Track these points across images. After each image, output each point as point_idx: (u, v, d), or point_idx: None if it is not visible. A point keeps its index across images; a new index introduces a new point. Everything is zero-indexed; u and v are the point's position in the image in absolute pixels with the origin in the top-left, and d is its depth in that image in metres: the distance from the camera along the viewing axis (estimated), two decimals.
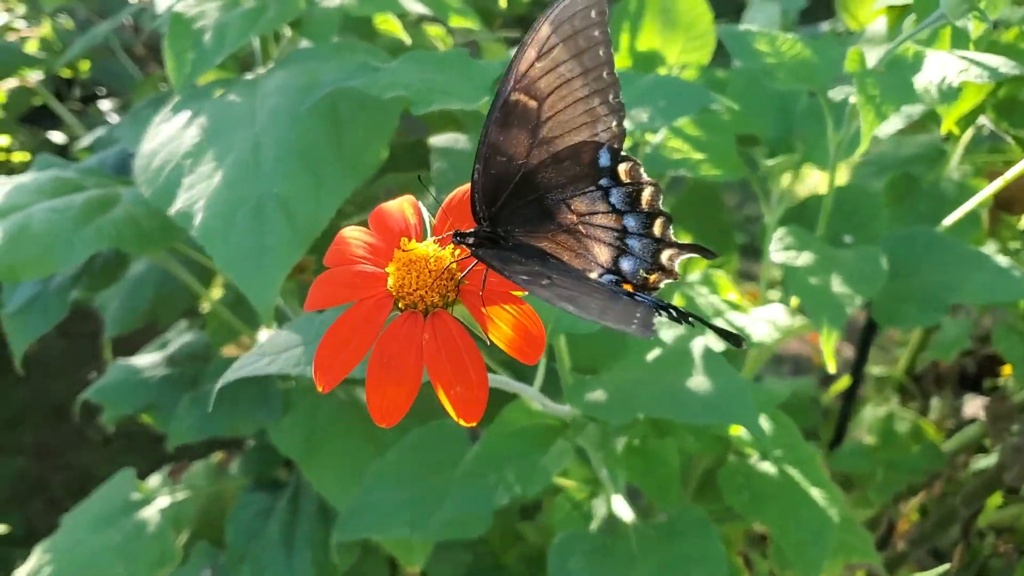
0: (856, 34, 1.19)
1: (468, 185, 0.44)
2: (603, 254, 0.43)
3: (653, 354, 0.68)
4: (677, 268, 0.42)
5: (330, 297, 0.42)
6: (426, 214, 0.45)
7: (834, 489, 0.83)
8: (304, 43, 0.91)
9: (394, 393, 0.39)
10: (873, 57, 1.05)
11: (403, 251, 0.41)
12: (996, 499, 1.40)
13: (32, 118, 1.45)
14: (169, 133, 0.74)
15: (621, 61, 0.94)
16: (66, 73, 1.47)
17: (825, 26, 2.01)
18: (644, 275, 0.43)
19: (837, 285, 0.75)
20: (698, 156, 0.85)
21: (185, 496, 1.08)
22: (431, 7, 0.83)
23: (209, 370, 0.99)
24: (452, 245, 0.42)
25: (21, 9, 1.37)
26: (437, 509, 0.78)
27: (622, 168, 0.43)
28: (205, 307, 1.22)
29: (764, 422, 0.87)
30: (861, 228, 0.89)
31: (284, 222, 0.68)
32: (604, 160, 0.43)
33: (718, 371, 0.63)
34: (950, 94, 0.67)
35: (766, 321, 0.80)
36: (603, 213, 0.43)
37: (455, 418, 0.39)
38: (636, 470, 0.80)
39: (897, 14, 1.08)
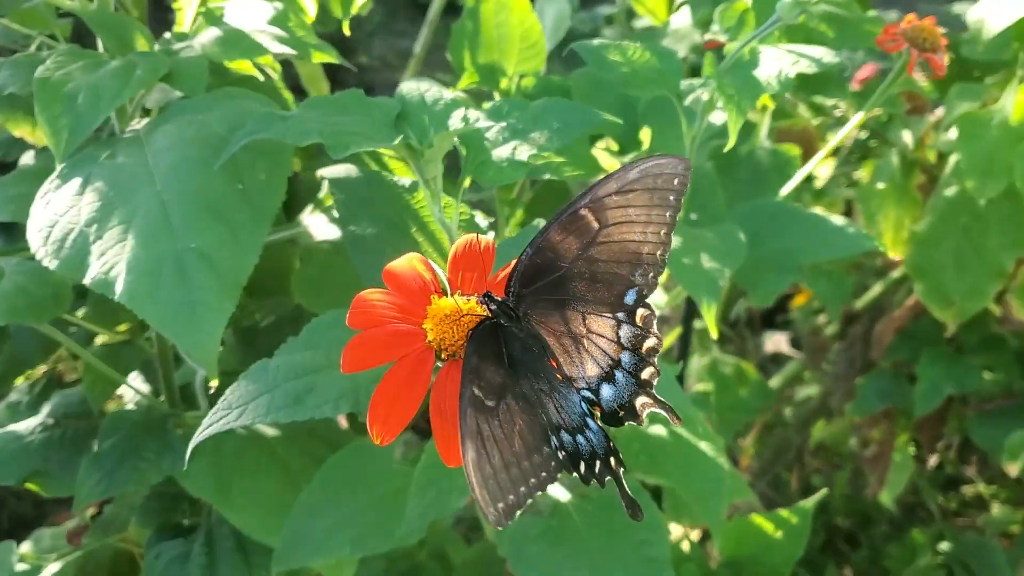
0: (660, 28, 1.31)
1: (474, 236, 0.49)
2: (592, 371, 0.50)
3: None
4: (644, 417, 0.49)
5: (369, 358, 0.46)
6: (435, 267, 0.50)
7: (718, 439, 0.93)
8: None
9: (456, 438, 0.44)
10: (682, 48, 1.16)
11: (437, 307, 0.46)
12: (820, 424, 1.58)
13: None
14: (63, 202, 0.74)
15: (469, 77, 1.00)
16: None
17: (604, 9, 2.15)
18: (616, 407, 0.49)
19: (707, 262, 0.84)
20: (559, 160, 0.93)
21: (78, 555, 1.06)
22: (292, 47, 0.86)
23: (104, 426, 0.97)
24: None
25: None
26: (376, 525, 0.82)
27: (640, 312, 0.50)
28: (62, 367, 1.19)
29: None
30: (702, 207, 0.99)
31: (208, 274, 0.70)
32: (630, 299, 0.50)
33: None
34: (787, 84, 0.77)
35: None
36: (608, 340, 0.50)
37: None
38: None
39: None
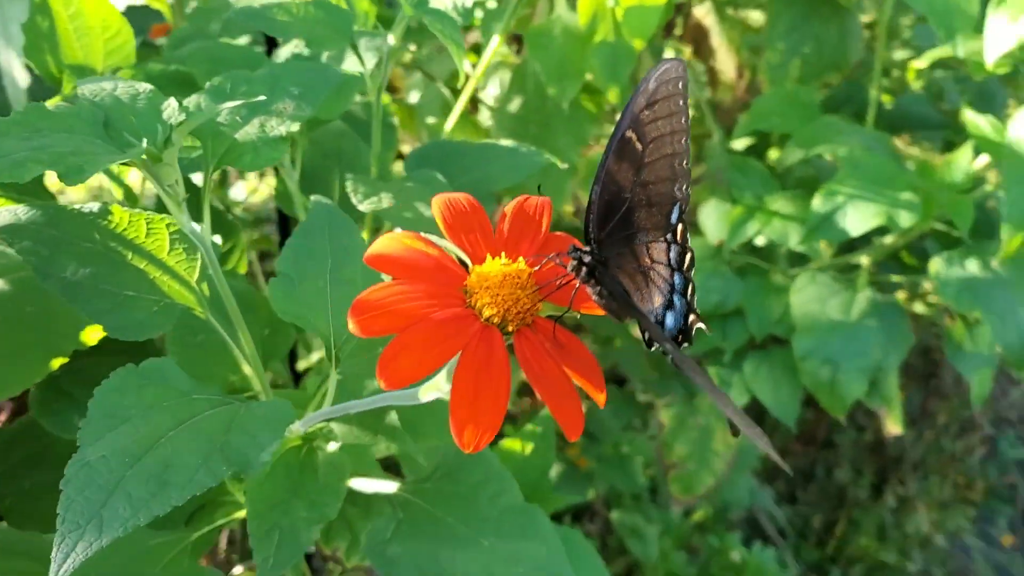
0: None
1: (450, 194, 0.43)
2: (658, 302, 0.48)
3: None
4: (694, 334, 0.48)
5: (422, 363, 0.37)
6: (433, 238, 0.42)
7: None
8: None
9: (571, 406, 0.39)
10: None
11: (485, 274, 0.39)
12: None
13: None
14: None
15: (68, 82, 0.84)
16: None
17: None
18: (676, 333, 0.48)
19: (423, 209, 0.82)
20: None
21: None
22: None
23: None
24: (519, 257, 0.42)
25: None
26: None
27: (680, 228, 0.48)
28: None
29: None
30: (353, 165, 0.96)
31: None
32: (674, 217, 0.48)
33: None
34: (468, 14, 0.77)
35: None
36: (665, 264, 0.48)
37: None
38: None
39: None
